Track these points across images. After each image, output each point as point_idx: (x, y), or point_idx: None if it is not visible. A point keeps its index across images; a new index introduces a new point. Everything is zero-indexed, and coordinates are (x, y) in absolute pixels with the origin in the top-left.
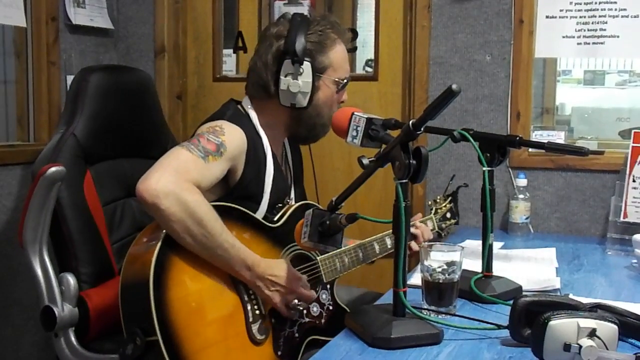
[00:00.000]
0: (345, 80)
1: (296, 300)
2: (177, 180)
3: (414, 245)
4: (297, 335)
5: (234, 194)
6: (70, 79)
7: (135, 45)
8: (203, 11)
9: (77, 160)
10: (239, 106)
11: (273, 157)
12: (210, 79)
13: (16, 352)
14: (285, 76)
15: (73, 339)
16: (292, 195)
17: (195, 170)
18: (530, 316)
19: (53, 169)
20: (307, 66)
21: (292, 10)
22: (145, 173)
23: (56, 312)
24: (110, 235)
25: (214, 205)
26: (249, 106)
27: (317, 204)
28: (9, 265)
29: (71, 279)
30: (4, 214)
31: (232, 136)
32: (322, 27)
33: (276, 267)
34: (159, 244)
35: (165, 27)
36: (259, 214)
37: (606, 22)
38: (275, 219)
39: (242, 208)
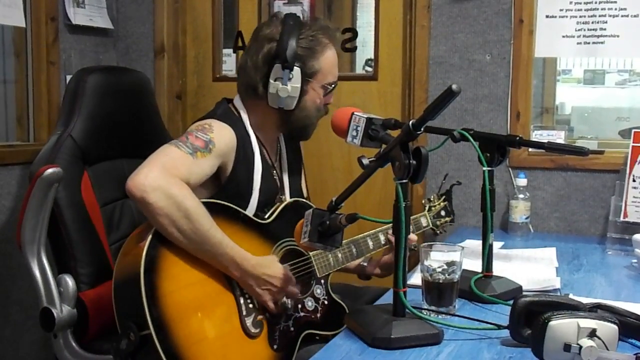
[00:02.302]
0: (332, 86)
1: (285, 299)
2: (165, 175)
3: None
4: (292, 329)
5: (224, 192)
6: (69, 78)
7: (134, 45)
8: (203, 11)
9: (74, 161)
10: (230, 105)
11: (261, 155)
12: (210, 79)
13: (16, 351)
14: (275, 80)
15: (72, 339)
16: (287, 192)
17: (184, 166)
18: (530, 316)
19: (50, 170)
20: (297, 71)
21: (292, 9)
22: (135, 170)
23: (55, 314)
24: (108, 236)
25: (204, 203)
26: (240, 105)
27: (307, 201)
28: (9, 265)
29: (69, 280)
30: (3, 214)
31: (221, 133)
32: (313, 31)
33: (267, 266)
34: (149, 239)
35: (165, 26)
36: (249, 212)
37: (606, 22)
38: (266, 215)
39: (232, 205)
